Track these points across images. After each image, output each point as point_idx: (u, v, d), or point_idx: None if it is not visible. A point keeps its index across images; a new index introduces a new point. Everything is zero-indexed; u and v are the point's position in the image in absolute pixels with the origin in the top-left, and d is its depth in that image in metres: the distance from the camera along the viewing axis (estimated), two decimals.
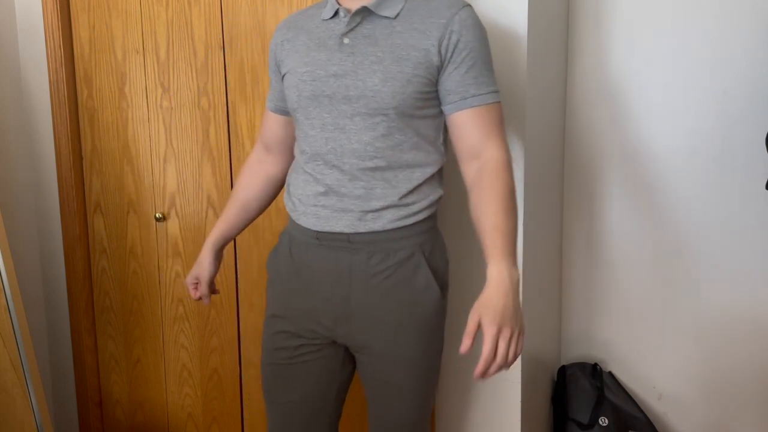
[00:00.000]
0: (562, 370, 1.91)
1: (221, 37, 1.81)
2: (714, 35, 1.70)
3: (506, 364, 1.04)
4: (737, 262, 1.75)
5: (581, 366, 1.89)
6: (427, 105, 1.22)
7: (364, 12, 1.21)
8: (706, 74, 1.72)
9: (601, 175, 1.88)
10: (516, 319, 1.06)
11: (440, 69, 1.20)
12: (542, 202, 1.72)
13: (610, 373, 1.91)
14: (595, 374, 1.87)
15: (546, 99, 1.71)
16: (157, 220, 1.96)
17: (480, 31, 1.21)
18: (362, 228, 1.22)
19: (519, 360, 1.60)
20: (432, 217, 1.28)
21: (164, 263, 1.99)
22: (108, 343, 2.10)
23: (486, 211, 1.14)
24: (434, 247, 1.28)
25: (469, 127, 1.20)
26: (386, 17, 1.21)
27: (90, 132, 2.00)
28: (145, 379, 2.08)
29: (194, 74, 1.86)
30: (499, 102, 1.22)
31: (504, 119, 1.24)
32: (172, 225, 1.96)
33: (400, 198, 1.22)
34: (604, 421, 1.76)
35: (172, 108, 1.89)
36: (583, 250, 1.93)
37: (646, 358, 1.89)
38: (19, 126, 2.02)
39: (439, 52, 1.18)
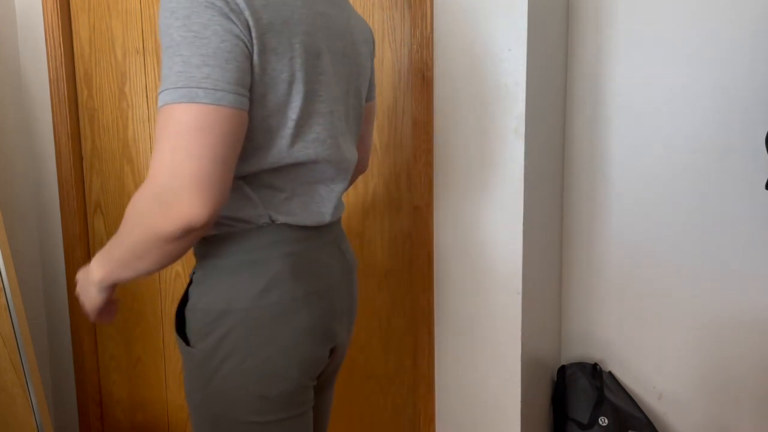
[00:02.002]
0: (562, 370, 1.90)
1: None
2: (714, 35, 1.70)
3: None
4: (737, 262, 1.75)
5: (581, 366, 1.89)
6: None
7: None
8: (706, 74, 1.72)
9: (601, 175, 1.88)
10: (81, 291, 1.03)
11: None
12: (542, 202, 1.72)
13: (610, 373, 1.91)
14: (595, 374, 1.87)
15: (546, 98, 1.71)
16: None
17: (164, 13, 0.83)
18: None
19: (519, 360, 1.61)
20: (211, 240, 0.97)
21: None
22: (108, 343, 2.10)
23: None
24: (204, 277, 0.98)
25: None
26: None
27: (90, 132, 2.00)
28: (145, 379, 2.08)
29: None
30: (175, 104, 0.80)
31: (184, 129, 0.79)
32: None
33: None
34: (604, 421, 1.76)
35: None
36: (583, 250, 1.93)
37: (646, 358, 1.89)
38: (19, 126, 2.02)
39: None
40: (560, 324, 1.99)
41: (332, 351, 1.10)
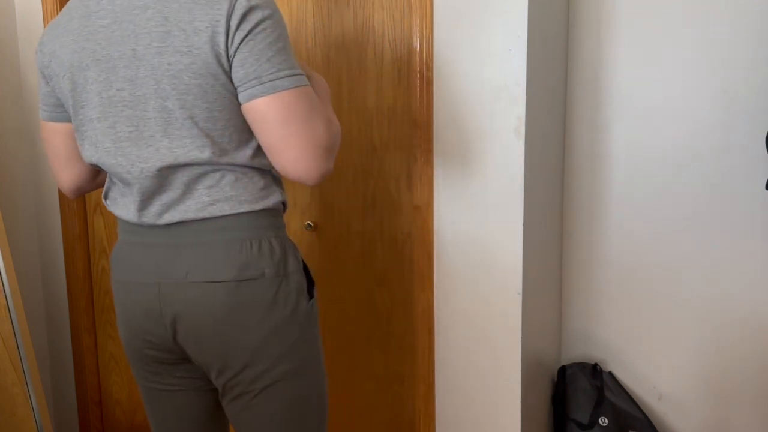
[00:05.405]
0: (562, 370, 1.90)
1: None
2: (714, 35, 1.70)
3: None
4: (737, 262, 1.75)
5: (581, 366, 1.89)
6: None
7: None
8: (706, 74, 1.72)
9: (601, 175, 1.88)
10: None
11: None
12: (542, 202, 1.72)
13: (610, 373, 1.91)
14: (595, 374, 1.87)
15: (546, 98, 1.71)
16: None
17: None
18: None
19: (519, 360, 1.61)
20: None
21: None
22: (108, 343, 2.10)
23: None
24: None
25: None
26: None
27: None
28: None
29: None
30: None
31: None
32: None
33: None
34: (604, 421, 1.76)
35: None
36: (583, 250, 1.93)
37: (647, 358, 1.89)
38: (19, 126, 2.02)
39: None
40: (560, 324, 1.99)
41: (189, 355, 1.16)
